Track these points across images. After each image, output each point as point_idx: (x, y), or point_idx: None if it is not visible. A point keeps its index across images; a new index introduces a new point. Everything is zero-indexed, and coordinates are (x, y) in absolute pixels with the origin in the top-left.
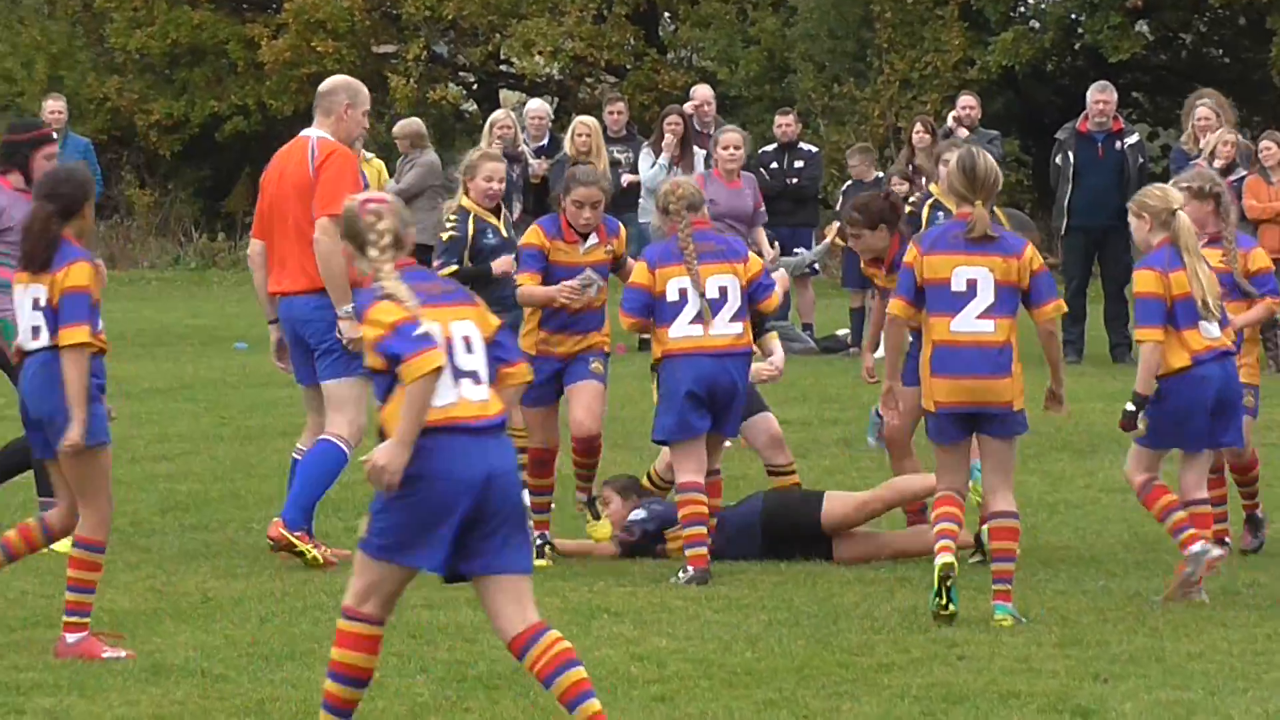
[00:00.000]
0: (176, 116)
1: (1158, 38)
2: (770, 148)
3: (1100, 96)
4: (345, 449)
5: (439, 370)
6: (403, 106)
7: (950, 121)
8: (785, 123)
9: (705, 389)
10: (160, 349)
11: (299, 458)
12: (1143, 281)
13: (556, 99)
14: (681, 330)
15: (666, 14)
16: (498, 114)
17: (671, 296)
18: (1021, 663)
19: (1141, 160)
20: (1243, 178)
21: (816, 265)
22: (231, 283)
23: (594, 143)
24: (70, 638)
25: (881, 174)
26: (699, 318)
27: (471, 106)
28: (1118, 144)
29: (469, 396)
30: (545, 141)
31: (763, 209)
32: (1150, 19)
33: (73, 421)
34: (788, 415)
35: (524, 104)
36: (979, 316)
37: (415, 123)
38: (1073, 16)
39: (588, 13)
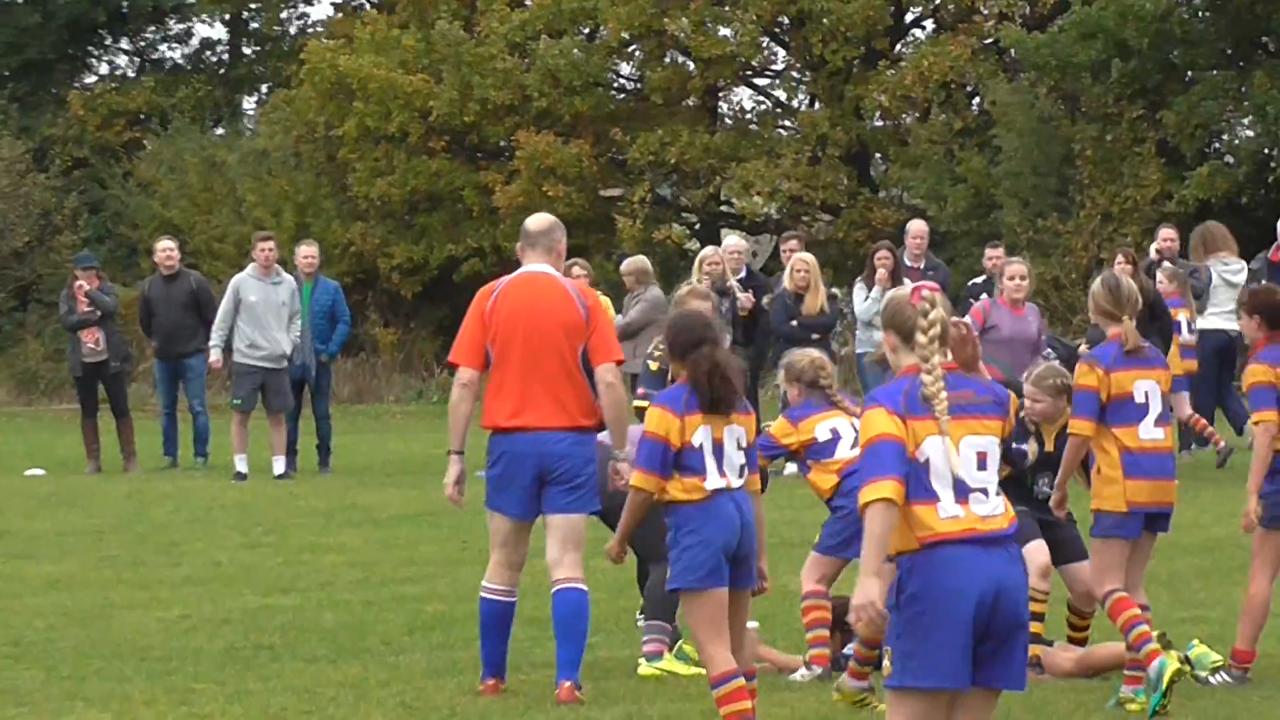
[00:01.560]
0: (416, 259)
1: None
2: (979, 279)
3: None
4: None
5: (889, 502)
6: (629, 246)
7: (1152, 253)
8: (995, 255)
9: None
10: (405, 478)
11: (492, 597)
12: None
13: (775, 237)
14: None
15: (877, 155)
16: (706, 250)
17: None
18: None
19: None
20: None
21: None
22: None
23: (812, 278)
24: None
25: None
26: None
27: (695, 245)
28: None
29: (976, 511)
30: (743, 274)
31: (1045, 335)
32: None
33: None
34: None
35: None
36: (1154, 424)
37: (641, 260)
38: (1265, 151)
39: (803, 155)
